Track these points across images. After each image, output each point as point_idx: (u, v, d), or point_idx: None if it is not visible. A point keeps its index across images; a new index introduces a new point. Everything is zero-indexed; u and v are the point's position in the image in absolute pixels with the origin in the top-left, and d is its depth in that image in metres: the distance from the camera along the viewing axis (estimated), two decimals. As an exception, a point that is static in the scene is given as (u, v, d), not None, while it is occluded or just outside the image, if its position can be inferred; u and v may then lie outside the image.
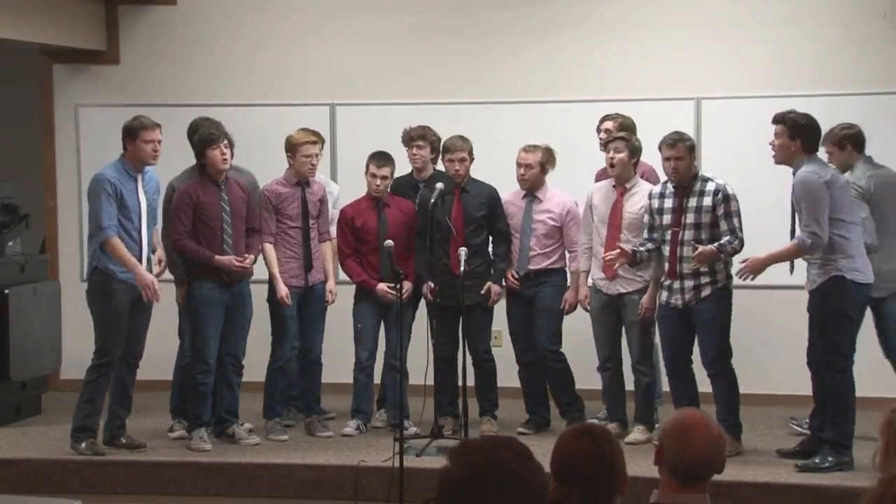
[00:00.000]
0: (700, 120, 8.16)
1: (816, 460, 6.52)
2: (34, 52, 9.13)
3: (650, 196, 6.96)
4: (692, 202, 6.76)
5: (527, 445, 2.71)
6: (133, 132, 6.97)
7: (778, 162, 6.61)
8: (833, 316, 6.45)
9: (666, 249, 6.85)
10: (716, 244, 6.67)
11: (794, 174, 6.53)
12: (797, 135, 6.43)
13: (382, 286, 7.38)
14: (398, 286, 7.01)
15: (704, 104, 8.27)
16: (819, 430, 6.66)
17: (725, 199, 6.71)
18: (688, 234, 6.74)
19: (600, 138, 7.57)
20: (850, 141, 7.00)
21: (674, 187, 6.84)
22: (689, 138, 6.90)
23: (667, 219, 6.84)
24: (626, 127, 7.46)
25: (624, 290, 7.19)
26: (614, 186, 7.24)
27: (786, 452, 6.80)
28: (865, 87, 8.18)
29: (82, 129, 8.92)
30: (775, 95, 7.82)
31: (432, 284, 7.35)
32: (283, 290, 7.32)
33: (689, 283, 6.76)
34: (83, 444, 7.02)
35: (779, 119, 6.51)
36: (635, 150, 7.20)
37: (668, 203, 6.84)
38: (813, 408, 6.77)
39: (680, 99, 8.34)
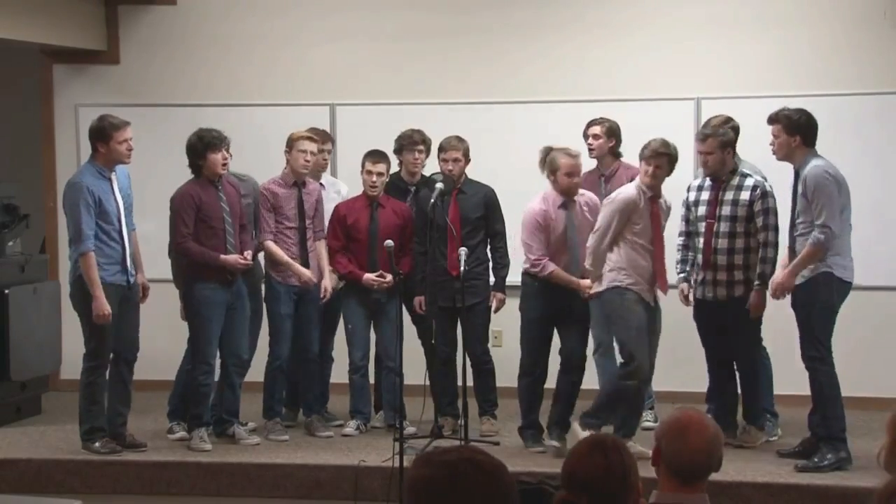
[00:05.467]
0: (700, 120, 8.12)
1: (815, 459, 6.54)
2: (34, 52, 9.13)
3: (688, 189, 7.04)
4: (729, 195, 6.83)
5: (500, 461, 2.59)
6: (105, 133, 6.90)
7: (780, 158, 6.67)
8: (820, 311, 6.53)
9: (699, 241, 6.91)
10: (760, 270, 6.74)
11: (795, 170, 6.58)
12: (795, 131, 6.51)
13: (369, 276, 7.38)
14: (395, 281, 7.02)
15: (704, 104, 8.25)
16: (817, 427, 6.68)
17: (763, 195, 6.78)
18: (723, 227, 6.80)
19: (588, 144, 7.52)
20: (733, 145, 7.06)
21: (711, 180, 6.90)
22: (722, 133, 6.87)
23: (701, 210, 6.92)
24: (612, 130, 7.49)
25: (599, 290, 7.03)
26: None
27: (786, 452, 6.80)
28: (865, 87, 8.18)
29: (82, 129, 8.84)
30: (775, 95, 7.81)
31: (422, 298, 7.33)
32: (306, 274, 7.31)
33: (722, 276, 6.83)
34: (97, 444, 7.01)
35: (773, 119, 6.61)
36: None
37: (705, 195, 6.92)
38: (811, 406, 6.77)
39: (680, 99, 8.34)
